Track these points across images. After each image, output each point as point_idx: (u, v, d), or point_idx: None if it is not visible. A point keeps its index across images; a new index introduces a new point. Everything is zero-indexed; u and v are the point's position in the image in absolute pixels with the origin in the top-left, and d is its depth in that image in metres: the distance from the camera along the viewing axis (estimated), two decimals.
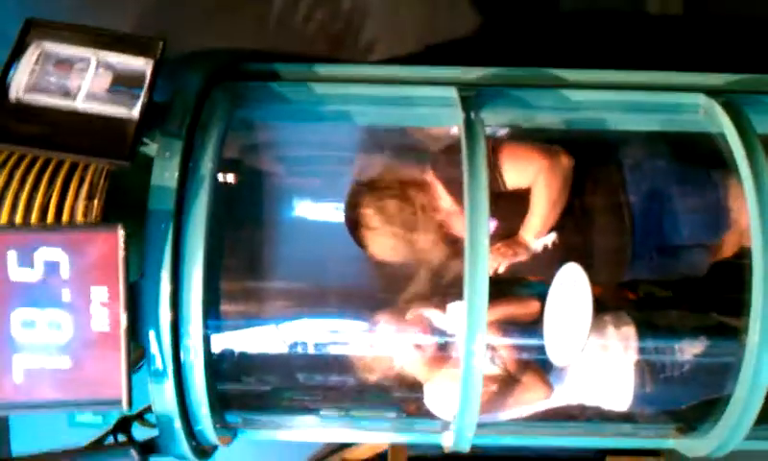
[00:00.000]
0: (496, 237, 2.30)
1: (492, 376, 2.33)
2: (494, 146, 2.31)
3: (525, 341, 2.37)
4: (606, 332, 2.36)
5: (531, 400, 2.37)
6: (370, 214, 2.41)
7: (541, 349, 2.28)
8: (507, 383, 2.35)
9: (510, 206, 2.34)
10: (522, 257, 2.33)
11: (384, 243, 2.42)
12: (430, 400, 2.39)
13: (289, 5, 3.22)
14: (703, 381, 2.34)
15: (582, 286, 2.17)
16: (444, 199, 2.38)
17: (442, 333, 2.40)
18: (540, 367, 2.35)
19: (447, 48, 3.16)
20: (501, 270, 2.31)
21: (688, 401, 2.43)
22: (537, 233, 2.33)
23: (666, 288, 2.57)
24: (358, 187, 2.48)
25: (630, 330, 2.36)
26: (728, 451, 2.27)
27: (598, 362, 2.35)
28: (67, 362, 1.85)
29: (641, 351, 2.34)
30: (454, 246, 2.41)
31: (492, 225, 2.29)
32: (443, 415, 2.35)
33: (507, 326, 2.36)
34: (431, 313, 2.42)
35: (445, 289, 2.41)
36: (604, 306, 2.37)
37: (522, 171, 2.32)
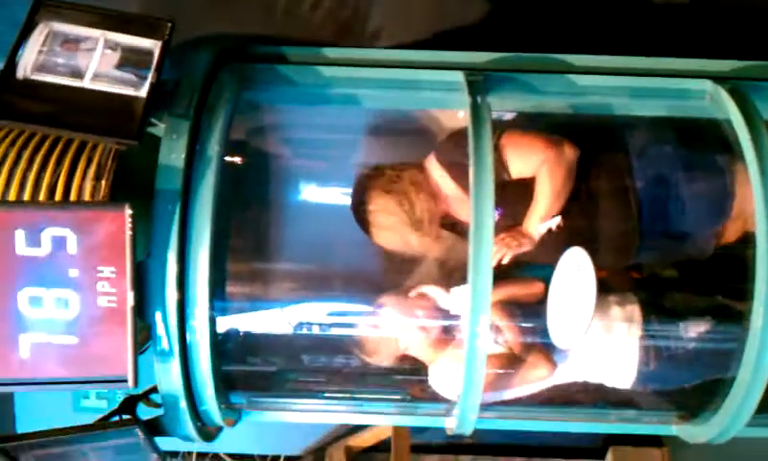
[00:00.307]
0: (500, 227, 2.31)
1: (496, 355, 2.34)
2: (499, 135, 2.32)
3: (529, 322, 2.37)
4: (610, 312, 2.36)
5: (534, 378, 2.38)
6: (374, 210, 2.42)
7: (545, 330, 2.28)
8: (510, 362, 2.36)
9: (513, 196, 2.35)
10: (526, 248, 2.33)
11: (389, 237, 2.44)
12: (435, 381, 2.40)
13: None
14: (706, 362, 2.35)
15: (586, 270, 2.17)
16: (448, 184, 2.38)
17: (445, 314, 2.41)
18: (544, 346, 2.36)
19: (455, 36, 3.17)
20: (506, 261, 2.32)
21: (691, 381, 2.43)
22: (540, 223, 2.34)
23: (671, 270, 2.57)
24: (362, 181, 2.48)
25: (635, 310, 2.36)
26: (729, 438, 2.28)
27: (603, 340, 2.36)
28: (74, 340, 1.87)
29: (645, 330, 2.34)
30: (458, 231, 2.42)
31: (495, 214, 2.29)
32: (448, 395, 2.36)
33: (511, 306, 2.37)
34: (434, 292, 2.43)
35: (450, 273, 2.42)
36: (609, 288, 2.38)
37: (526, 161, 2.33)
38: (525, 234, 2.33)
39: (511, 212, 2.35)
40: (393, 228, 2.41)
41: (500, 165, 2.30)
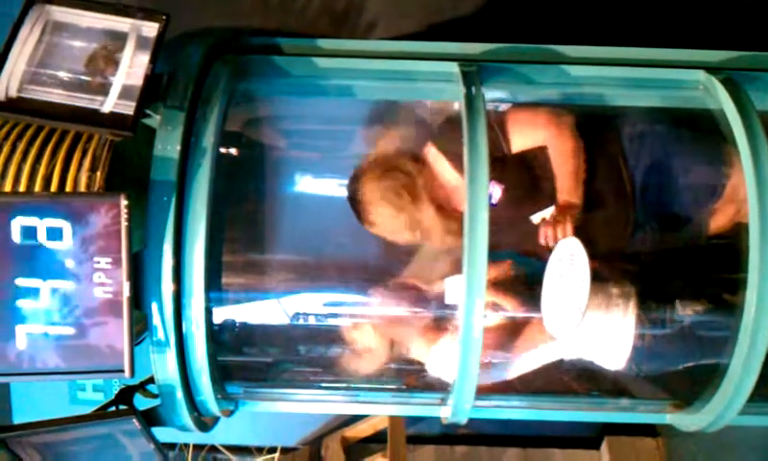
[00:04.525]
0: (503, 205, 2.32)
1: (495, 326, 2.36)
2: (497, 113, 2.32)
3: (525, 305, 2.38)
4: (606, 295, 2.36)
5: (536, 341, 2.39)
6: (371, 200, 2.41)
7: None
8: (510, 328, 2.37)
9: (515, 173, 2.35)
10: (575, 213, 2.31)
11: (387, 226, 2.43)
12: (433, 367, 2.42)
13: None
14: (699, 350, 2.35)
15: (580, 260, 2.18)
16: (447, 172, 2.39)
17: (441, 305, 2.41)
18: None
19: (449, 27, 3.17)
20: (568, 234, 2.25)
21: (684, 364, 2.43)
22: (570, 190, 2.32)
23: (667, 256, 2.57)
24: (359, 170, 2.47)
25: (630, 295, 2.36)
26: (722, 426, 2.29)
27: (599, 324, 2.36)
28: (70, 330, 1.87)
29: (641, 316, 2.35)
30: (456, 220, 2.42)
31: (498, 192, 2.30)
32: (448, 379, 2.36)
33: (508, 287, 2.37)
34: (430, 282, 2.44)
35: (447, 263, 2.42)
36: (604, 275, 2.38)
37: (528, 134, 2.35)
38: (568, 206, 2.31)
39: (511, 190, 2.36)
40: (390, 217, 2.40)
41: (501, 140, 2.32)
